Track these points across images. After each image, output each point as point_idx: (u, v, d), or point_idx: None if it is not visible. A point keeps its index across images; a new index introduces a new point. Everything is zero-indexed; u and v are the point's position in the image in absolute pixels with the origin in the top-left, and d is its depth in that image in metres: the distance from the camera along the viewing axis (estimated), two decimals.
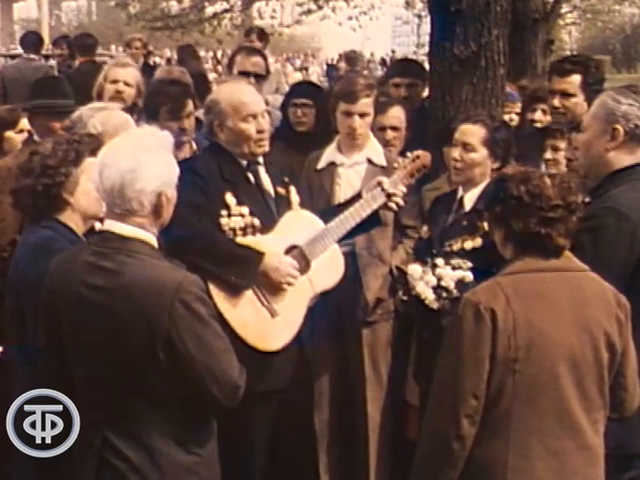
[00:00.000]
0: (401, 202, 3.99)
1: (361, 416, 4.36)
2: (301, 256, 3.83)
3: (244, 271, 3.66)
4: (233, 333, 3.53)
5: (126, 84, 5.24)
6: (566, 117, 4.56)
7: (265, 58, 5.82)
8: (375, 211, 3.99)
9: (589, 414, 2.80)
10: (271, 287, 3.74)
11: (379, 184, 3.97)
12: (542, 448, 2.74)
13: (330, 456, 4.44)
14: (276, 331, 3.74)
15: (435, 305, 3.69)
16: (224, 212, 3.74)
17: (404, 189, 4.00)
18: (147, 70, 8.52)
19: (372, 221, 4.02)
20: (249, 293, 3.70)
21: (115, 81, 5.26)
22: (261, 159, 3.91)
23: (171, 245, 3.51)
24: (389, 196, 3.95)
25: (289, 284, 3.74)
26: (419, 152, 4.11)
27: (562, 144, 4.25)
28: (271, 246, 3.75)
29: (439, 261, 3.73)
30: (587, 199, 3.26)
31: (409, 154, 4.13)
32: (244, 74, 5.34)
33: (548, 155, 4.25)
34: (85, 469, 2.75)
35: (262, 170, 3.92)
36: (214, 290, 3.58)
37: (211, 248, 3.65)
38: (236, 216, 3.76)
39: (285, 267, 3.74)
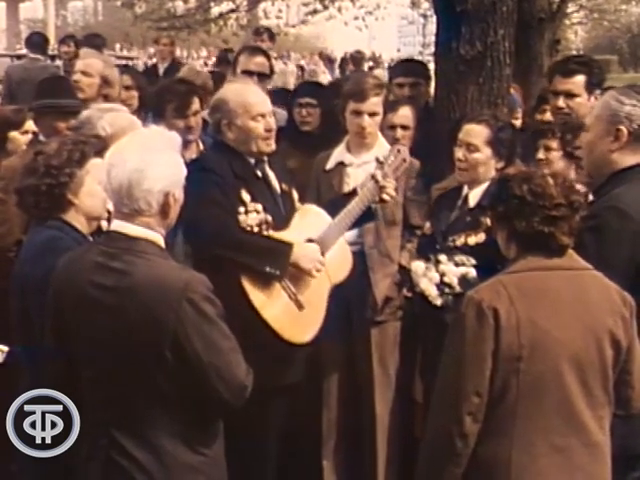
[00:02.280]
0: (393, 193, 4.02)
1: (369, 416, 4.37)
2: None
3: (277, 261, 3.70)
4: (268, 328, 3.62)
5: (83, 73, 5.26)
6: (571, 117, 4.56)
7: (269, 58, 5.84)
8: (368, 207, 4.02)
9: (594, 411, 2.80)
10: (295, 280, 3.78)
11: (372, 177, 3.99)
12: (546, 445, 2.75)
13: (336, 456, 4.45)
14: (305, 323, 3.79)
15: (438, 301, 3.70)
16: (241, 209, 3.78)
17: (394, 182, 4.02)
18: (173, 70, 8.57)
19: (366, 216, 4.04)
20: (278, 288, 3.74)
21: (74, 72, 5.30)
22: (266, 157, 3.93)
23: (201, 242, 3.57)
24: (382, 188, 3.98)
25: (318, 271, 3.78)
26: (398, 146, 4.13)
27: (554, 144, 4.24)
28: (295, 239, 3.80)
29: (442, 257, 3.75)
30: (591, 198, 3.27)
31: (390, 148, 4.15)
32: (247, 73, 5.36)
33: (540, 155, 4.24)
34: (92, 468, 2.75)
35: (267, 167, 3.95)
36: (247, 286, 3.64)
37: (242, 241, 3.71)
38: (252, 212, 3.80)
39: (314, 254, 3.79)
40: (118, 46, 24.38)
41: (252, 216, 3.80)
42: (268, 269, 3.67)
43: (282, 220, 3.88)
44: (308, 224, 3.93)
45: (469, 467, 2.77)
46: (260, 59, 5.62)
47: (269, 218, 3.83)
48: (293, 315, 3.76)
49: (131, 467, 2.69)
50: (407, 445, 4.27)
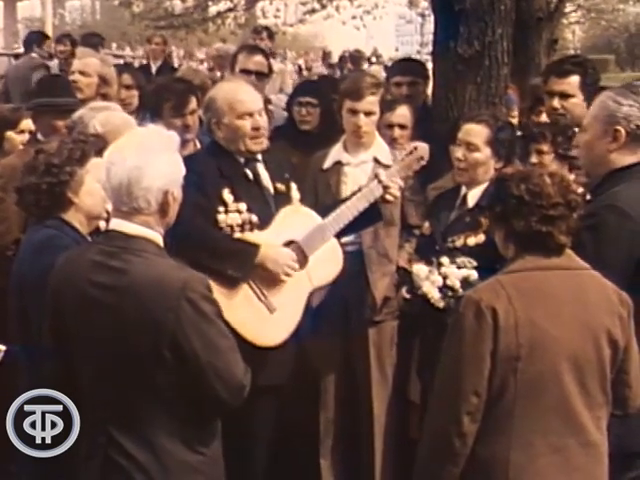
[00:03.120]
0: (397, 194, 3.99)
1: (367, 416, 4.36)
2: (299, 251, 3.83)
3: (240, 263, 3.67)
4: (231, 330, 3.55)
5: (81, 73, 5.25)
6: (566, 118, 4.56)
7: (267, 57, 5.84)
8: (376, 206, 3.99)
9: (591, 411, 2.80)
10: (268, 282, 3.75)
11: (376, 176, 3.98)
12: (544, 445, 2.75)
13: (333, 455, 4.44)
14: (274, 327, 3.75)
15: (441, 304, 3.69)
16: (221, 209, 3.76)
17: (401, 182, 3.99)
18: (166, 69, 8.57)
19: (373, 216, 4.02)
20: (246, 289, 3.71)
21: (71, 72, 5.30)
22: (260, 156, 3.92)
23: (169, 243, 3.54)
24: (385, 188, 3.95)
25: (287, 275, 3.74)
26: (416, 144, 4.11)
27: (546, 147, 4.24)
28: (268, 241, 3.76)
29: (444, 260, 3.73)
30: (588, 196, 3.27)
31: (406, 147, 4.13)
32: (246, 72, 5.36)
33: (533, 159, 4.23)
34: (90, 467, 2.75)
35: (261, 167, 3.93)
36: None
37: (206, 243, 3.67)
38: (233, 212, 3.78)
39: (283, 258, 3.75)
40: (115, 45, 24.30)
41: (233, 216, 3.77)
42: (230, 272, 3.65)
43: (272, 221, 3.85)
44: (292, 225, 3.88)
45: (467, 467, 2.77)
46: (258, 58, 5.62)
47: (254, 218, 3.80)
48: (261, 318, 3.72)
49: (129, 466, 2.69)
50: (403, 444, 4.27)
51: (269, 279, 3.74)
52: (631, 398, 2.95)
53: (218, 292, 3.58)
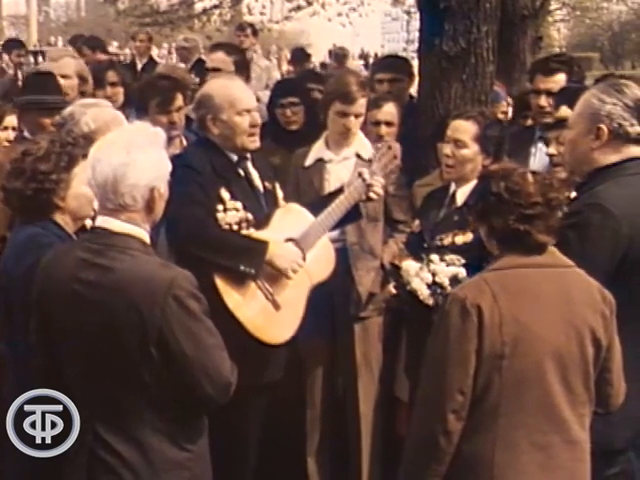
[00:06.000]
0: (380, 192, 4.01)
1: (353, 414, 4.37)
2: (298, 248, 3.85)
3: (252, 260, 3.68)
4: (242, 329, 3.60)
5: (62, 77, 5.23)
6: (552, 116, 4.57)
7: (230, 53, 5.80)
8: (356, 204, 4.01)
9: (575, 409, 2.81)
10: (273, 280, 3.76)
11: (360, 175, 3.99)
12: (528, 443, 2.75)
13: (320, 452, 4.44)
14: (281, 324, 3.77)
15: (430, 301, 3.68)
16: (220, 207, 3.77)
17: (382, 180, 4.01)
18: (151, 66, 8.57)
19: (353, 214, 4.04)
20: (253, 288, 3.72)
21: None
22: (249, 154, 3.92)
23: (178, 240, 3.56)
24: (369, 187, 3.97)
25: (294, 271, 3.76)
26: (389, 143, 4.12)
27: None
28: (272, 238, 3.78)
29: (434, 257, 3.73)
30: (573, 194, 3.28)
31: (379, 145, 4.14)
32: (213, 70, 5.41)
33: (552, 150, 4.19)
34: (76, 464, 2.75)
35: (250, 166, 3.93)
36: (221, 287, 3.62)
37: (217, 240, 3.69)
38: (231, 211, 3.78)
39: (291, 254, 3.77)
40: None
41: (231, 214, 3.78)
42: (242, 268, 3.65)
43: (264, 219, 3.86)
44: (289, 223, 3.90)
45: (452, 464, 2.77)
46: (219, 55, 5.65)
47: (250, 216, 3.81)
48: (269, 316, 3.74)
49: (116, 463, 2.69)
50: (390, 441, 4.28)
51: (274, 276, 3.76)
52: (613, 396, 2.96)
53: (228, 290, 3.62)
